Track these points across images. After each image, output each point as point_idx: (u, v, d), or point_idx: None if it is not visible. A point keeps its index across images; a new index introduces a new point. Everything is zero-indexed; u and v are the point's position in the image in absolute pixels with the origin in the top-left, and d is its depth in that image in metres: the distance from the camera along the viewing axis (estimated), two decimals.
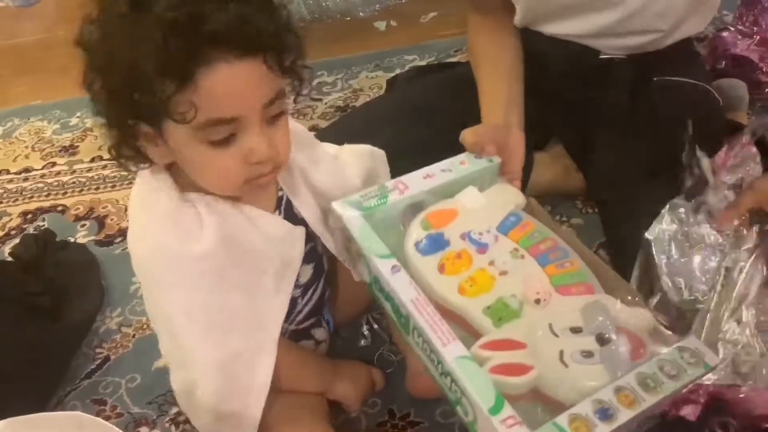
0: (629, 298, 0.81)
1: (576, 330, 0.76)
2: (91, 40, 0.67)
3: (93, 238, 1.39)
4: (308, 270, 0.88)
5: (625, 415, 0.68)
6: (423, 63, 1.76)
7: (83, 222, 1.44)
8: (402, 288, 0.79)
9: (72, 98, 1.81)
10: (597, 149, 1.12)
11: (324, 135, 1.08)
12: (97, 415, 1.04)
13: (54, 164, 1.64)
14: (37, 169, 1.62)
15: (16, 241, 1.38)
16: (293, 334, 0.94)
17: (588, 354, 0.73)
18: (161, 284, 0.76)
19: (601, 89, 1.14)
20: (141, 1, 0.64)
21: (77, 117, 1.78)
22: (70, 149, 1.67)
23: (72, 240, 1.39)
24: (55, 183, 1.58)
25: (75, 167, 1.61)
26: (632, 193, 1.03)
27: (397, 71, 1.71)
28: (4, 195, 1.56)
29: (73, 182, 1.57)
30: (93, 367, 1.14)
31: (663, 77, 1.13)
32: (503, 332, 0.76)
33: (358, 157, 0.96)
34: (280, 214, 0.83)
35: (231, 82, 0.67)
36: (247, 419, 0.80)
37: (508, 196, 0.93)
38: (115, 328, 1.20)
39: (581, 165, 1.21)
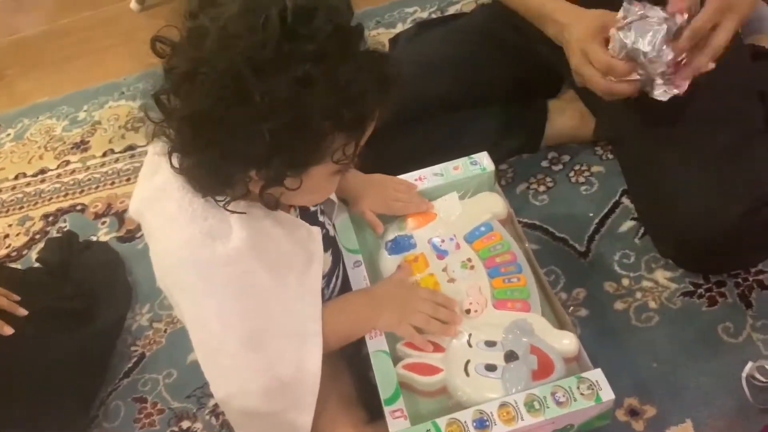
0: (565, 321, 0.84)
1: (490, 344, 0.81)
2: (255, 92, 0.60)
3: (114, 234, 1.36)
4: (327, 258, 0.84)
5: (499, 430, 0.73)
6: (425, 15, 1.65)
7: (103, 219, 1.42)
8: (356, 282, 0.89)
9: (76, 92, 1.79)
10: None
11: None
12: (140, 413, 1.06)
13: (68, 162, 1.61)
14: (52, 169, 1.60)
15: (41, 245, 1.36)
16: None
17: (491, 368, 0.78)
18: (191, 292, 0.72)
19: None
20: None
21: (84, 111, 1.75)
22: (81, 145, 1.65)
23: (95, 239, 1.36)
24: (71, 182, 1.55)
25: (88, 163, 1.59)
26: (646, 132, 0.96)
27: (399, 26, 1.64)
28: (24, 199, 1.54)
29: (89, 179, 1.54)
30: (130, 365, 1.12)
31: None
32: (430, 335, 0.83)
33: None
34: (295, 210, 0.80)
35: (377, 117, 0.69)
36: (302, 415, 0.75)
37: (488, 206, 0.97)
38: (147, 325, 1.18)
39: (593, 107, 1.14)
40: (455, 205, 0.97)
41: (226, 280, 0.70)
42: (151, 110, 0.67)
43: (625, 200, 1.10)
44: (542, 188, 1.18)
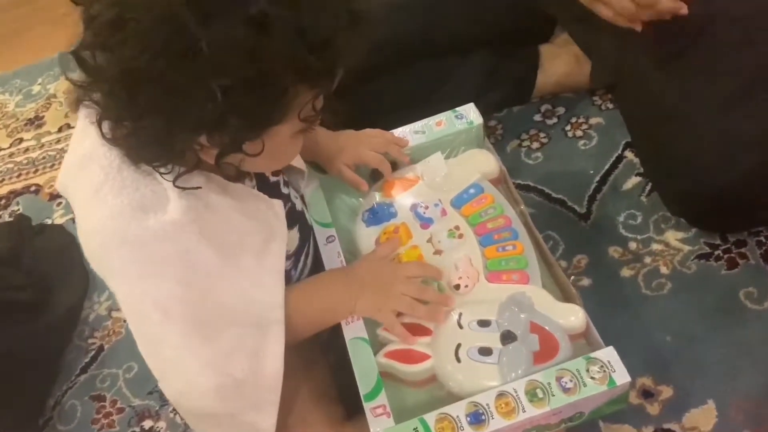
0: (569, 293, 0.75)
1: (484, 323, 0.72)
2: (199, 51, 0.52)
3: (71, 216, 1.25)
4: (293, 236, 0.77)
5: (497, 424, 0.64)
6: None
7: (59, 200, 1.31)
8: (329, 260, 0.80)
9: (30, 65, 1.69)
10: (604, 28, 0.93)
11: None
12: (98, 412, 0.98)
13: (21, 140, 1.51)
14: (4, 148, 1.50)
15: None
16: None
17: (485, 351, 0.70)
18: (123, 275, 0.63)
19: None
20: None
21: (39, 84, 1.65)
22: (35, 121, 1.55)
23: (49, 222, 1.26)
24: (25, 161, 1.46)
25: (43, 140, 1.49)
26: (650, 74, 0.90)
27: None
28: None
29: (43, 157, 1.44)
30: (87, 360, 1.04)
31: None
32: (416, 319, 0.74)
33: None
34: (252, 181, 0.72)
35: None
36: (262, 416, 0.67)
37: (477, 165, 0.87)
38: (105, 314, 1.09)
39: (589, 48, 1.08)
40: (440, 165, 0.87)
41: (162, 259, 0.62)
42: (74, 71, 0.58)
43: (629, 154, 1.04)
44: (535, 145, 1.11)
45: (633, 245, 0.94)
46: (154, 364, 0.65)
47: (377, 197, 0.87)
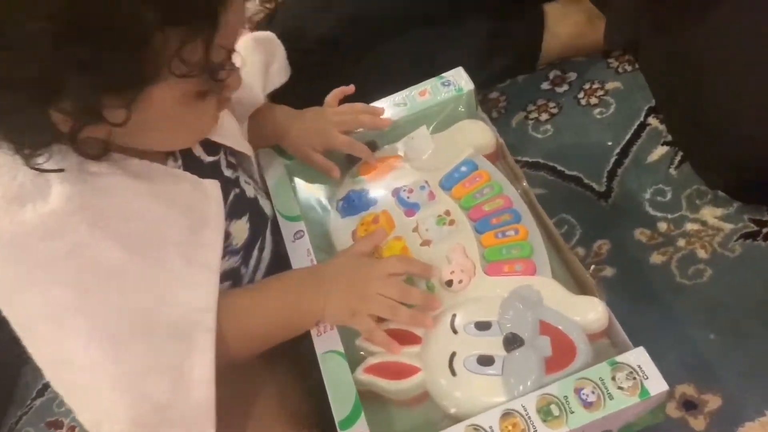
0: (586, 284, 0.68)
1: (483, 326, 0.64)
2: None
3: None
4: (241, 227, 0.71)
5: None
6: None
7: None
8: (297, 259, 0.74)
9: None
10: None
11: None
12: None
13: None
14: None
15: None
16: None
17: (486, 360, 0.62)
18: (2, 285, 0.57)
19: None
20: None
21: None
22: None
23: None
24: None
25: None
26: (668, 27, 0.85)
27: None
28: None
29: None
30: (45, 381, 0.94)
31: None
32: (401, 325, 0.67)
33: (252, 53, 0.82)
34: (176, 161, 0.66)
35: (240, 11, 0.57)
36: None
37: (469, 138, 0.80)
38: None
39: (600, 4, 1.04)
40: (425, 141, 0.81)
41: (45, 259, 0.54)
42: None
43: (653, 121, 0.99)
44: (544, 116, 1.06)
45: (663, 226, 0.89)
46: (62, 390, 0.58)
47: (353, 183, 0.81)
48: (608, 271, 0.87)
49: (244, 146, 0.75)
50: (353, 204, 0.79)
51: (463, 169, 0.78)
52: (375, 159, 0.82)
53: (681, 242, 0.86)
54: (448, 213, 0.74)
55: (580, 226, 0.92)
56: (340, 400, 0.62)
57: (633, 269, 0.86)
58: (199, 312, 0.60)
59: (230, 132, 0.72)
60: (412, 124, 0.83)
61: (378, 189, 0.79)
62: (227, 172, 0.72)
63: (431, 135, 0.82)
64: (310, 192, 0.82)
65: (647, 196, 0.92)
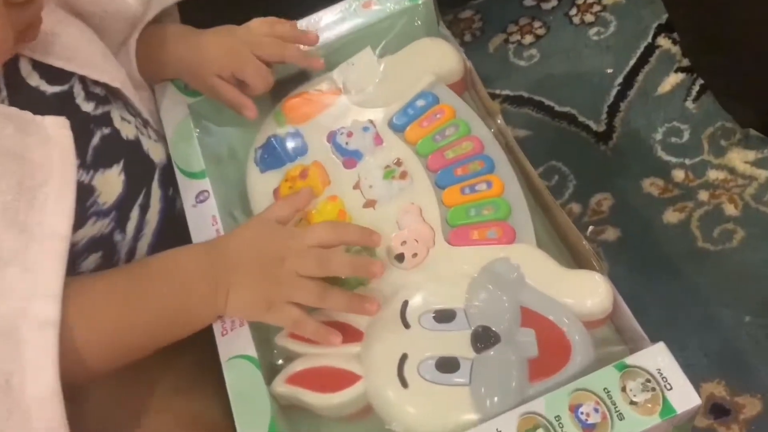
0: (582, 254, 0.60)
1: (444, 316, 0.57)
2: None
3: None
4: (112, 179, 0.65)
5: None
6: None
7: None
8: (198, 229, 0.67)
9: None
10: None
11: None
12: None
13: None
14: None
15: None
16: None
17: (449, 365, 0.54)
18: None
19: None
20: None
21: None
22: None
23: None
24: None
25: None
26: None
27: None
28: None
29: None
30: None
31: None
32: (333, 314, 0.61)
33: None
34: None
35: None
36: None
37: (429, 62, 0.74)
38: None
39: None
40: (370, 68, 0.75)
41: None
42: None
43: (664, 41, 0.98)
44: (529, 39, 1.04)
45: (679, 175, 0.87)
46: None
47: (276, 126, 0.75)
48: (610, 233, 0.85)
49: (108, 74, 0.66)
50: (275, 153, 0.71)
51: (420, 103, 0.71)
52: (303, 92, 0.75)
53: (703, 195, 0.84)
54: (399, 163, 0.67)
55: (575, 176, 0.90)
56: (250, 422, 0.55)
57: (642, 231, 0.84)
58: (30, 300, 0.53)
59: (86, 55, 0.65)
60: (354, 46, 0.77)
61: (308, 132, 0.73)
62: (87, 107, 0.64)
63: (378, 59, 0.76)
64: (221, 139, 0.76)
65: (658, 136, 0.90)
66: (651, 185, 0.87)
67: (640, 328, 0.55)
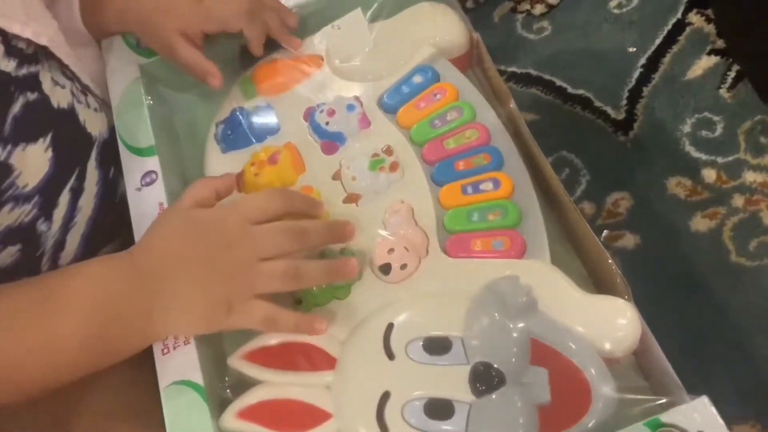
0: (606, 273, 0.54)
1: (437, 346, 0.51)
2: None
3: None
4: (37, 155, 0.60)
5: None
6: None
7: None
8: (143, 219, 0.61)
9: None
10: None
11: None
12: None
13: None
14: None
15: None
16: None
17: (440, 409, 0.48)
18: None
19: None
20: None
21: None
22: None
23: None
24: None
25: None
26: None
27: None
28: None
29: None
30: None
31: None
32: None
33: None
34: None
35: None
36: None
37: (429, 30, 0.69)
38: None
39: None
40: (359, 34, 0.70)
41: None
42: None
43: (696, 18, 0.94)
44: (540, 8, 1.01)
45: (711, 175, 0.83)
46: None
47: (243, 97, 0.69)
48: (627, 240, 0.81)
49: (31, 27, 0.59)
50: (240, 131, 0.66)
51: (417, 79, 0.65)
52: (279, 59, 0.70)
53: (738, 201, 0.80)
54: (389, 151, 0.62)
55: (588, 170, 0.87)
56: None
57: (665, 239, 0.83)
58: None
59: (6, 2, 0.58)
60: (340, 6, 0.71)
61: (281, 107, 0.67)
62: (7, 65, 0.57)
63: (369, 24, 0.71)
64: (177, 110, 0.71)
65: (687, 128, 0.86)
66: (677, 185, 0.84)
67: (677, 378, 0.49)
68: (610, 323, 0.50)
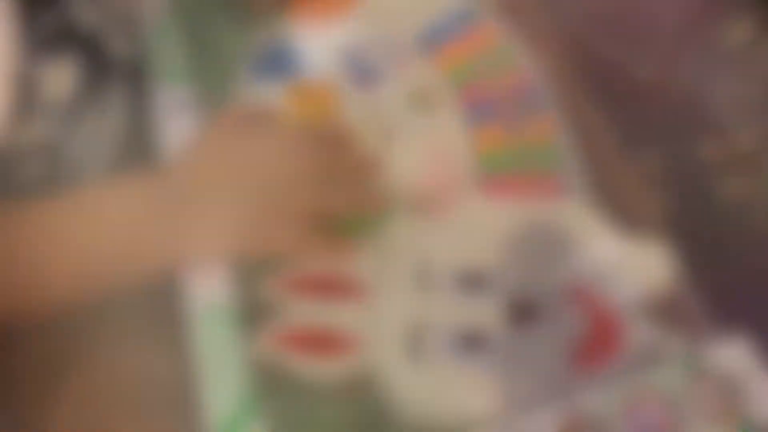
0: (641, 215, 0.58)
1: (471, 279, 0.52)
2: None
3: None
4: (60, 70, 0.63)
5: None
6: None
7: None
8: (169, 146, 0.62)
9: None
10: None
11: None
12: None
13: None
14: None
15: None
16: None
17: (472, 339, 0.50)
18: None
19: None
20: None
21: None
22: None
23: None
24: None
25: None
26: None
27: None
28: None
29: None
30: None
31: None
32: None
33: None
34: None
35: None
36: None
37: None
38: None
39: None
40: None
41: None
42: None
43: None
44: None
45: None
46: None
47: (276, 27, 0.69)
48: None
49: None
50: (276, 62, 0.66)
51: (452, 19, 0.66)
52: None
53: None
54: (425, 90, 0.62)
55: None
56: (221, 386, 0.50)
57: (697, 201, 0.75)
58: None
59: None
60: None
61: (316, 43, 0.67)
62: None
63: None
64: (208, 38, 0.69)
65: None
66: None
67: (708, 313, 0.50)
68: (646, 264, 0.52)
